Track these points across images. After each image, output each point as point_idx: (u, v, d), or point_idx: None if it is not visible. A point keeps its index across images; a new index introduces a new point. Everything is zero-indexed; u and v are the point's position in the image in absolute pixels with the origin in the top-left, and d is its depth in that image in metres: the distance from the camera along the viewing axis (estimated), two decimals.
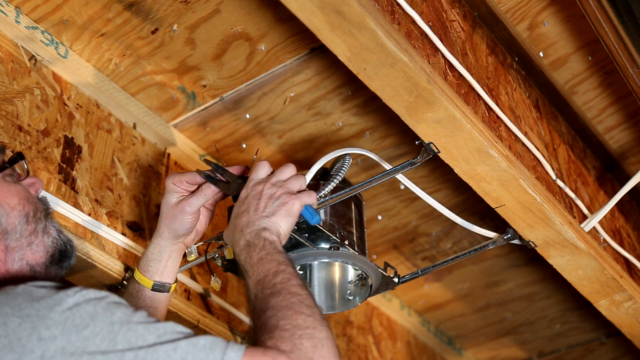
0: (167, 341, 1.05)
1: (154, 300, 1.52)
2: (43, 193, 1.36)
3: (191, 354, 1.04)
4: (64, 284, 1.13)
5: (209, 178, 1.48)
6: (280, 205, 1.39)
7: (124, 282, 1.62)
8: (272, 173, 1.47)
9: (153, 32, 1.70)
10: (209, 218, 1.56)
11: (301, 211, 1.42)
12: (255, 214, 1.39)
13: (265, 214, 1.38)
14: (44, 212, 1.28)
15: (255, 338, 1.16)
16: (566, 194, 1.77)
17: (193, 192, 1.50)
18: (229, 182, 1.48)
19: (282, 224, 1.38)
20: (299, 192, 1.43)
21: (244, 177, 1.49)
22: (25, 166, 1.31)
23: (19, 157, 1.28)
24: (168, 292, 1.54)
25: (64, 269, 1.29)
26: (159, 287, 1.52)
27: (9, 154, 1.36)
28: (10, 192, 1.23)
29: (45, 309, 1.04)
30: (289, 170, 1.47)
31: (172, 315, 1.72)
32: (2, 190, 1.22)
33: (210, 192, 1.48)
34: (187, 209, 1.48)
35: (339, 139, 1.98)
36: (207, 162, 1.51)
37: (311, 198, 1.43)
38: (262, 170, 1.47)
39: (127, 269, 1.64)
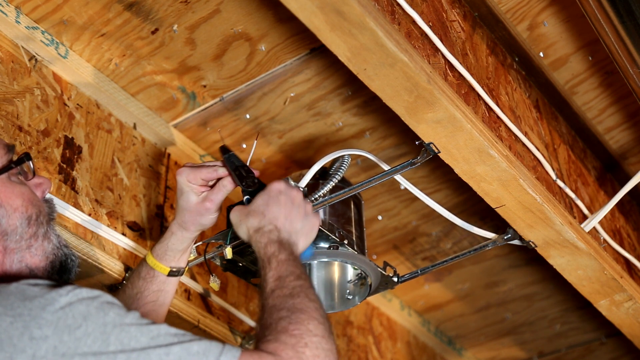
0: (160, 345, 1.04)
1: (166, 284, 1.54)
2: (49, 195, 1.35)
3: (184, 359, 1.04)
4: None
5: (229, 161, 1.48)
6: (310, 229, 1.41)
7: (124, 282, 1.62)
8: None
9: (153, 32, 1.70)
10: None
11: None
12: (293, 218, 1.38)
13: (299, 226, 1.39)
14: (48, 216, 1.28)
15: (261, 333, 1.15)
16: (566, 194, 1.77)
17: (212, 186, 1.50)
18: (245, 175, 1.48)
19: (301, 245, 1.39)
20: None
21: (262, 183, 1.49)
22: (32, 166, 1.30)
23: (25, 157, 1.28)
24: (182, 275, 1.55)
25: (64, 281, 1.27)
26: (174, 273, 1.53)
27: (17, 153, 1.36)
28: (15, 193, 1.23)
29: (38, 308, 1.03)
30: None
31: (172, 315, 1.72)
32: (6, 191, 1.22)
33: (230, 185, 1.49)
34: (211, 207, 1.49)
35: (339, 139, 1.98)
36: (224, 149, 1.50)
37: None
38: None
39: (128, 269, 1.64)
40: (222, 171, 1.51)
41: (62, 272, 1.27)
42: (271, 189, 1.42)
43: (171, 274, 1.53)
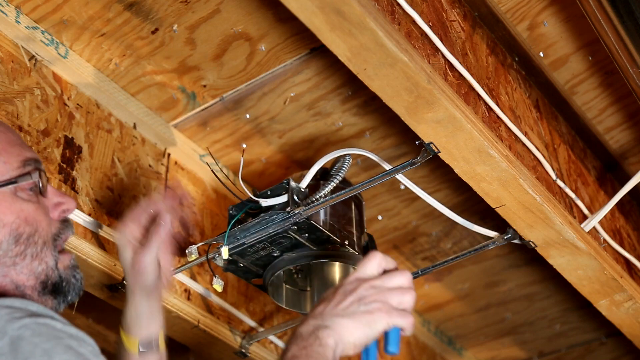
0: None
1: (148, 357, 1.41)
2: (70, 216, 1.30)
3: None
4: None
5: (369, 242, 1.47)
6: (364, 313, 1.17)
7: (124, 281, 1.62)
8: (384, 272, 1.23)
9: (153, 32, 1.70)
10: (172, 248, 1.43)
11: (388, 331, 1.19)
12: (333, 308, 1.17)
13: (341, 312, 1.16)
14: (51, 237, 1.24)
15: None
16: (566, 194, 1.77)
17: (142, 241, 1.40)
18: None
19: (355, 333, 1.15)
20: (398, 308, 1.20)
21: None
22: (41, 185, 1.24)
23: (32, 175, 1.22)
24: (158, 348, 1.41)
25: (60, 303, 1.24)
26: (145, 347, 1.39)
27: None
28: (11, 209, 1.19)
29: None
30: (402, 278, 1.21)
31: (172, 316, 1.72)
32: (3, 205, 1.19)
33: (161, 235, 1.37)
34: (146, 267, 1.37)
35: (339, 139, 1.98)
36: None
37: (405, 321, 1.19)
38: (371, 265, 1.23)
39: None
40: (155, 206, 1.40)
41: (55, 293, 1.23)
42: (346, 280, 1.22)
43: (142, 350, 1.38)
